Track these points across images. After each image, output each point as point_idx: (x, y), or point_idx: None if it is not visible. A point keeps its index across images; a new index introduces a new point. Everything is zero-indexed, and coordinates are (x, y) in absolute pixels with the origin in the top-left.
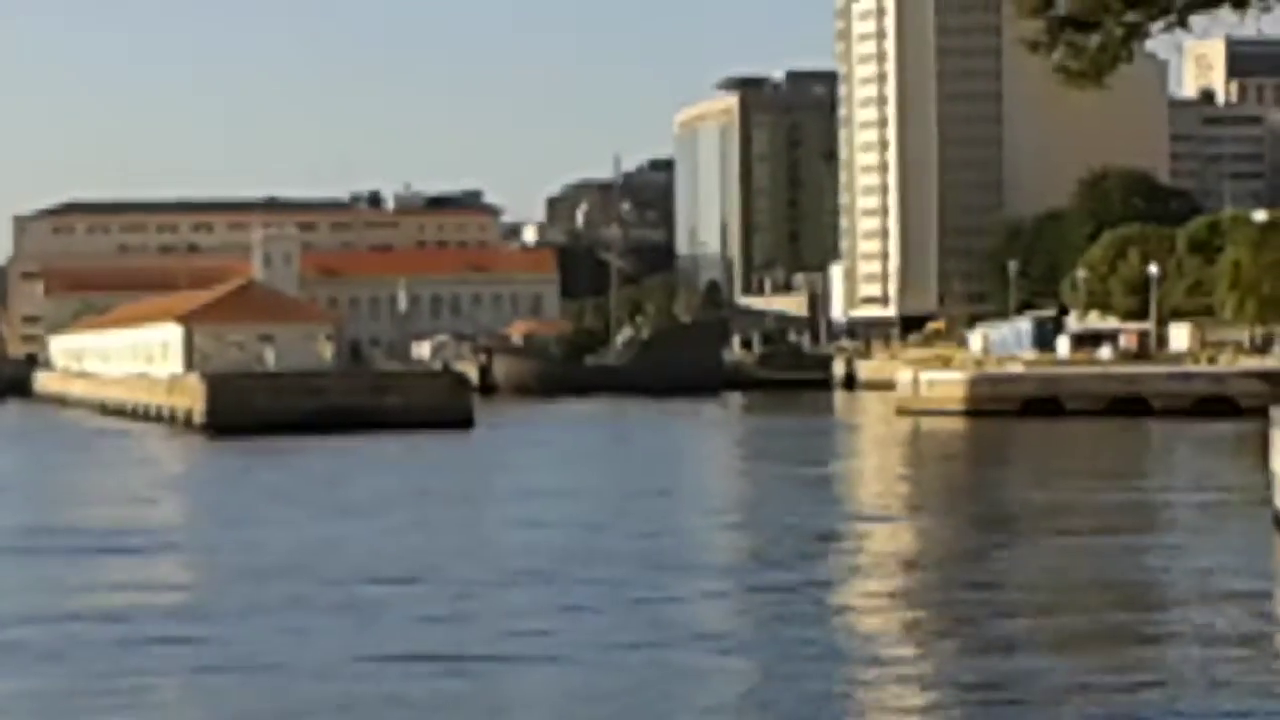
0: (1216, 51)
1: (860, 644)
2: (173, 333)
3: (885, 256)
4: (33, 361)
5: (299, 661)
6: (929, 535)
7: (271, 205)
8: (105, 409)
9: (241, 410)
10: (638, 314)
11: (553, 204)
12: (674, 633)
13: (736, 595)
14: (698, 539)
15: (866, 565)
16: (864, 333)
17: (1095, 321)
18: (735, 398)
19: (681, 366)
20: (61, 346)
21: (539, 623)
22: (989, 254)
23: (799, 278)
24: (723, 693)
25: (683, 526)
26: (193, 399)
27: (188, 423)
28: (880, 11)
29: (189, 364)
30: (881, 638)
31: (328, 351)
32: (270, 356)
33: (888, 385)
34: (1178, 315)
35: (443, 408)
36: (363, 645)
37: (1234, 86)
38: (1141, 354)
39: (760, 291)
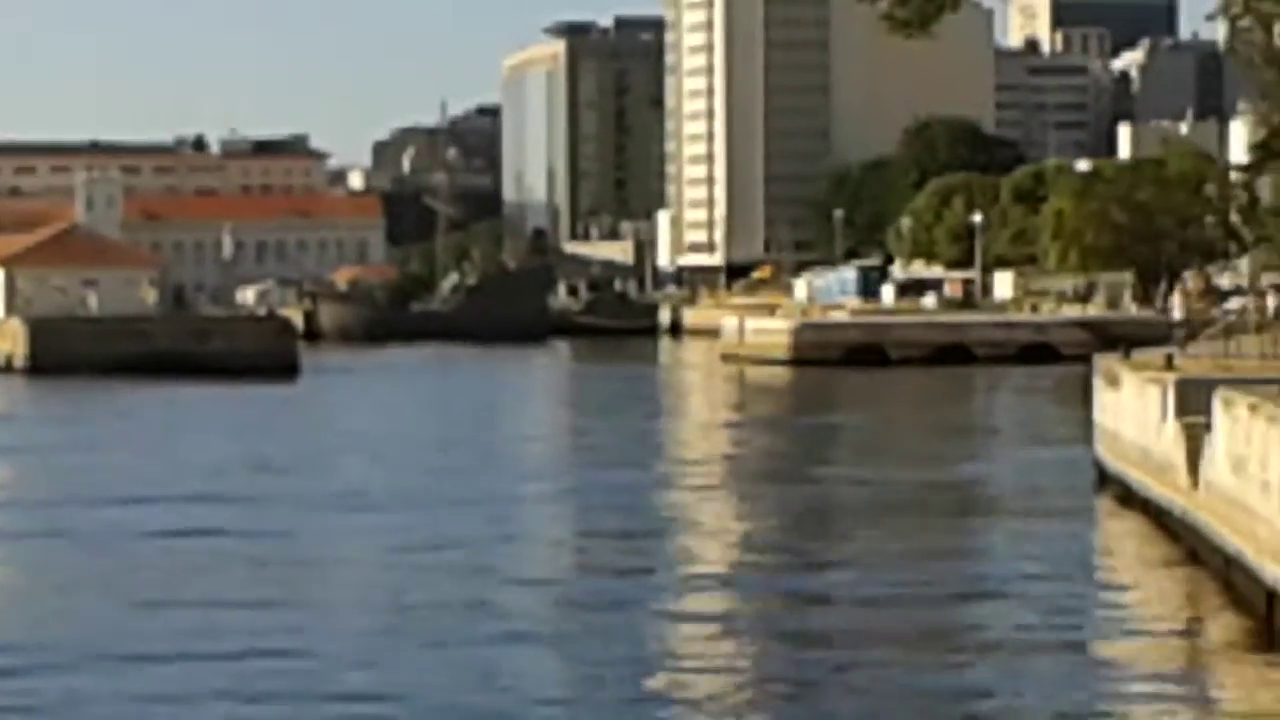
0: (1042, 2)
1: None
2: None
3: (711, 204)
4: None
5: None
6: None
7: (95, 148)
8: None
9: (63, 355)
10: (464, 260)
11: (379, 149)
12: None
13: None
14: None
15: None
16: (690, 280)
17: (920, 270)
18: (562, 345)
19: (508, 313)
20: None
21: None
22: (815, 202)
23: (625, 225)
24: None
25: (500, 493)
26: (13, 343)
27: (9, 367)
28: None
29: (10, 308)
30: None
31: (151, 297)
32: (93, 301)
33: (713, 332)
34: (1001, 264)
35: (267, 354)
36: None
37: (1059, 37)
38: (965, 302)
39: (587, 238)
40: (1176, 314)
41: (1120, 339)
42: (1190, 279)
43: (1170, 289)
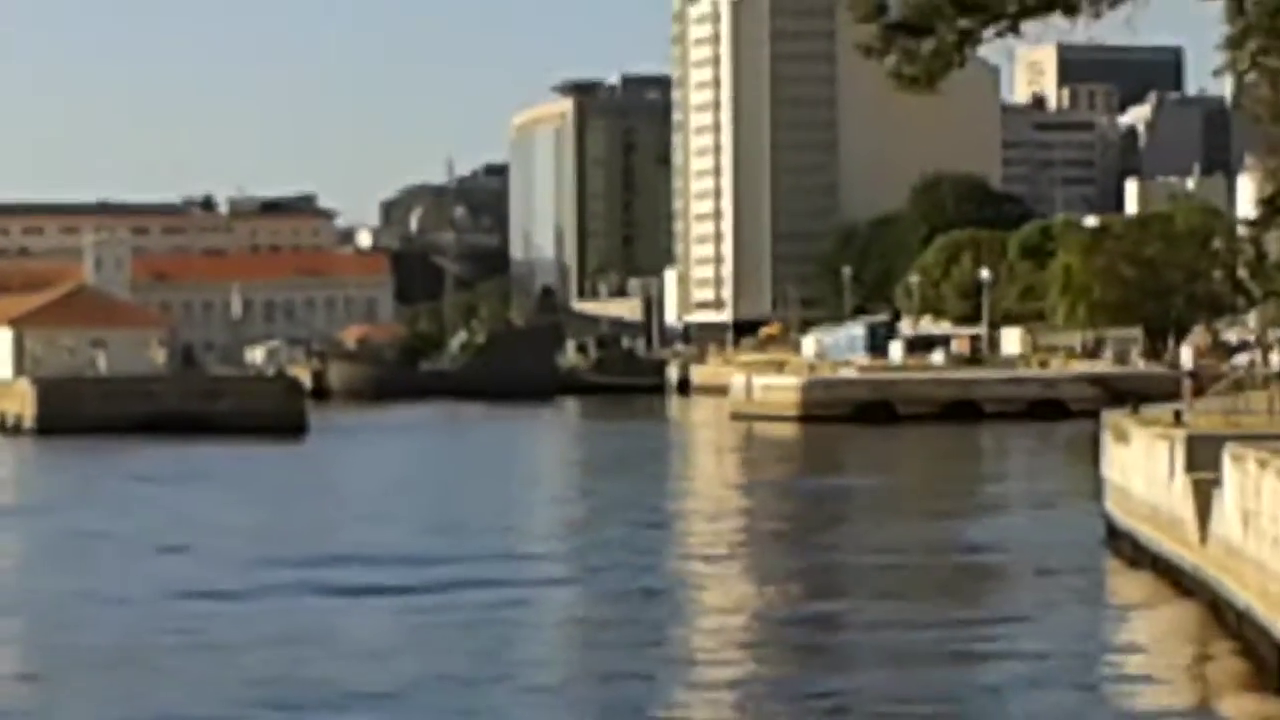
0: (1048, 58)
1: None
2: (2, 337)
3: (719, 261)
4: None
5: None
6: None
7: (104, 209)
8: None
9: (72, 415)
10: (472, 319)
11: (387, 208)
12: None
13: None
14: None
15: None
16: (698, 337)
17: (928, 326)
18: (570, 403)
19: (516, 371)
20: None
21: None
22: (823, 259)
23: (634, 283)
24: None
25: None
26: (22, 404)
27: (17, 429)
28: (715, 16)
29: (19, 369)
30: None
31: (160, 356)
32: (102, 361)
33: (722, 390)
34: (1009, 320)
35: (276, 413)
36: None
37: (1065, 93)
38: (974, 358)
39: (595, 296)
40: (1186, 364)
41: (1129, 394)
42: (1198, 333)
43: (1179, 343)
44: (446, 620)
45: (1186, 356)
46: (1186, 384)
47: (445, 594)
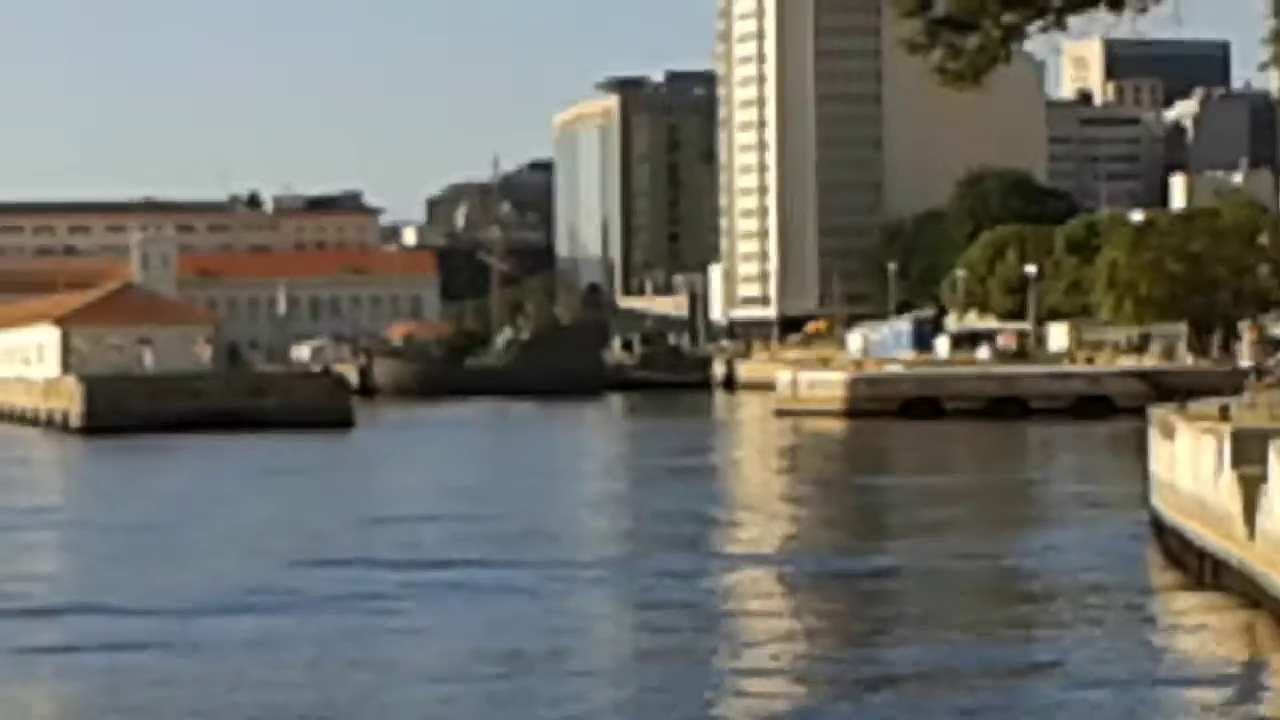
0: (1093, 52)
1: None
2: (49, 335)
3: (764, 257)
4: None
5: None
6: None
7: (149, 207)
8: None
9: (119, 413)
10: (518, 315)
11: (432, 205)
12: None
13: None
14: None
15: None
16: (744, 334)
17: (974, 322)
18: (616, 399)
19: (562, 368)
20: None
21: None
22: (868, 255)
23: (679, 279)
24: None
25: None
26: (69, 401)
27: (65, 425)
28: (760, 13)
29: (66, 366)
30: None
31: (206, 354)
32: (148, 359)
33: (767, 386)
34: (1055, 315)
35: (322, 410)
36: None
37: (1111, 87)
38: (1020, 354)
39: (640, 293)
40: (1244, 361)
41: (1176, 390)
42: (1245, 329)
43: (1228, 338)
44: (490, 613)
45: (1246, 353)
46: (1252, 380)
47: (489, 592)
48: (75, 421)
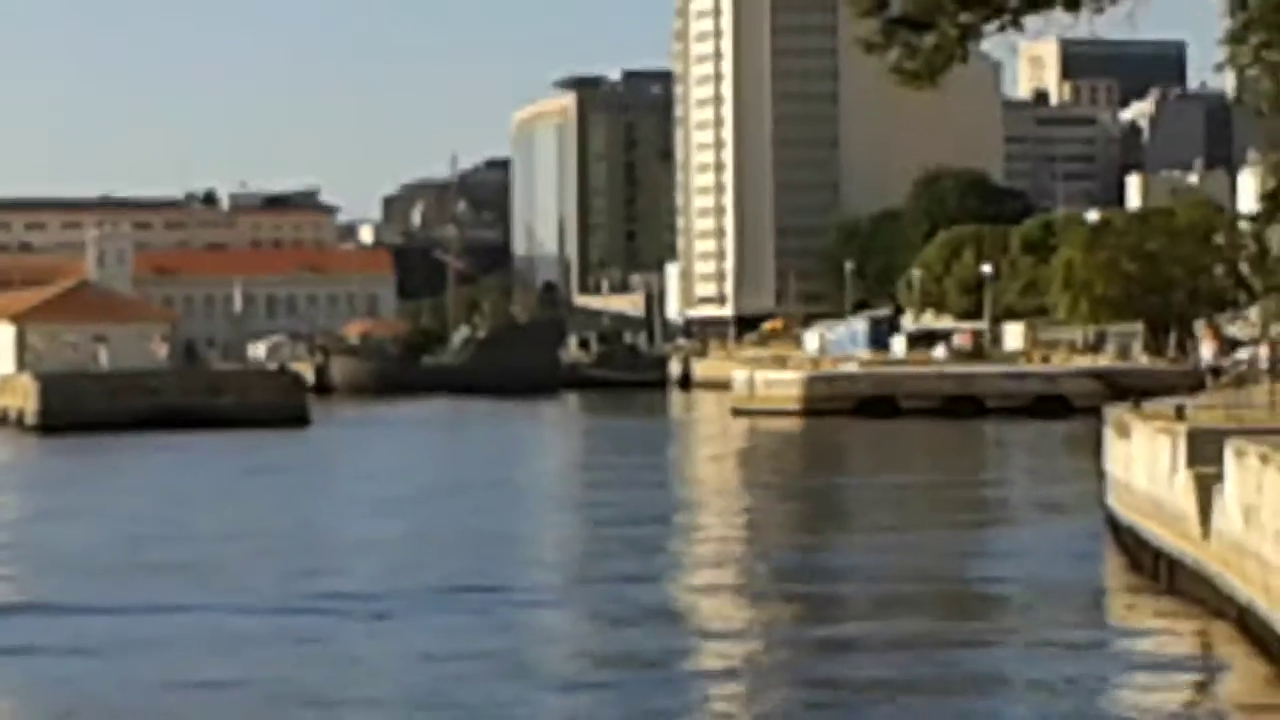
0: (1050, 52)
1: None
2: (4, 332)
3: (721, 256)
4: None
5: None
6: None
7: (106, 204)
8: None
9: (74, 410)
10: (474, 314)
11: (389, 203)
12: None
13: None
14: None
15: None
16: (700, 333)
17: (930, 321)
18: (572, 398)
19: (519, 367)
20: None
21: None
22: (825, 254)
23: (636, 278)
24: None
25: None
26: (24, 399)
27: (20, 423)
28: (717, 11)
29: (21, 364)
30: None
31: (162, 351)
32: (104, 356)
33: (724, 385)
34: (1012, 315)
35: (278, 408)
36: None
37: (1067, 87)
38: (976, 353)
39: (597, 291)
40: (1207, 359)
41: (1131, 389)
42: (1201, 328)
43: (1183, 338)
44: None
45: (1208, 352)
46: (1210, 381)
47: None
48: (30, 419)
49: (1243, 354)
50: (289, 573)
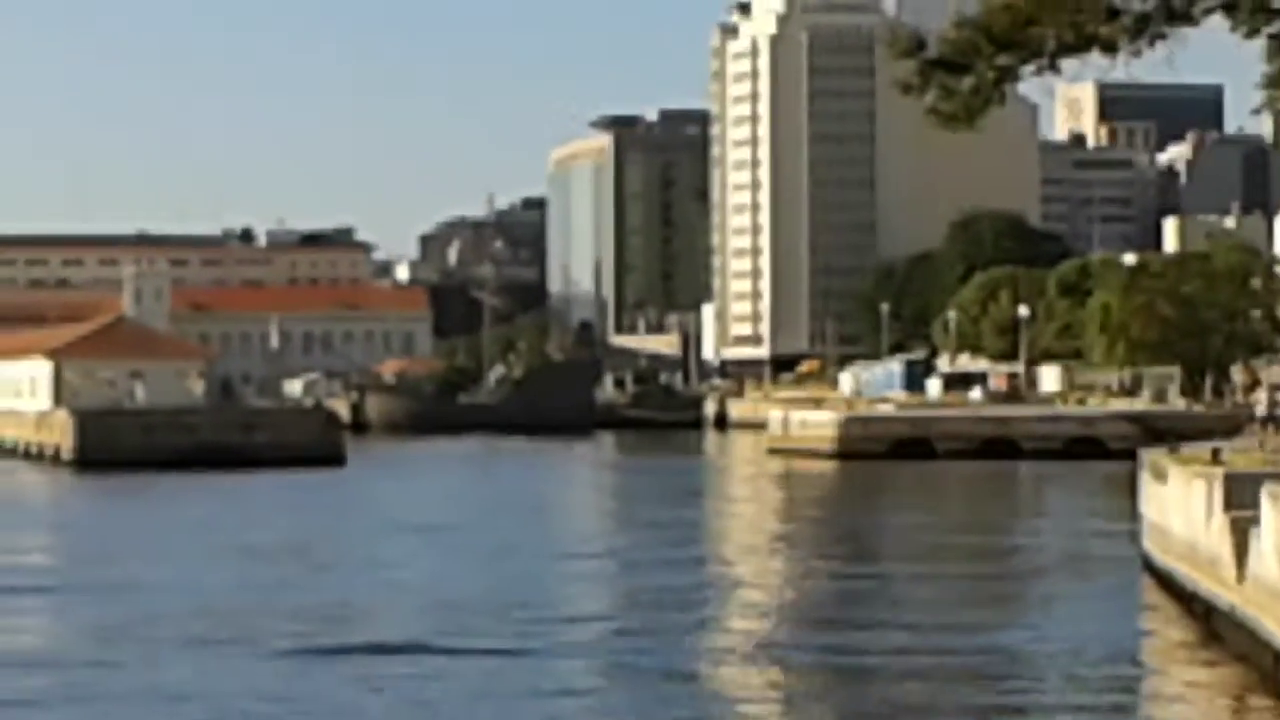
0: (1087, 95)
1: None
2: (41, 368)
3: (757, 297)
4: None
5: None
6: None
7: (143, 240)
8: None
9: (110, 447)
10: (510, 352)
11: (425, 242)
12: None
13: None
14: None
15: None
16: (736, 373)
17: (966, 363)
18: (607, 437)
19: (554, 406)
20: None
21: None
22: (861, 295)
23: (671, 317)
24: None
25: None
26: (61, 435)
27: (56, 459)
28: (754, 52)
29: (58, 399)
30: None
31: (198, 388)
32: (140, 393)
33: (759, 425)
34: (1048, 357)
35: (314, 446)
36: None
37: (1104, 130)
38: (1011, 396)
39: (633, 331)
40: (1260, 409)
41: (1167, 433)
42: (1241, 372)
43: (1219, 382)
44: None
45: (1262, 399)
46: (1264, 428)
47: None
48: (67, 455)
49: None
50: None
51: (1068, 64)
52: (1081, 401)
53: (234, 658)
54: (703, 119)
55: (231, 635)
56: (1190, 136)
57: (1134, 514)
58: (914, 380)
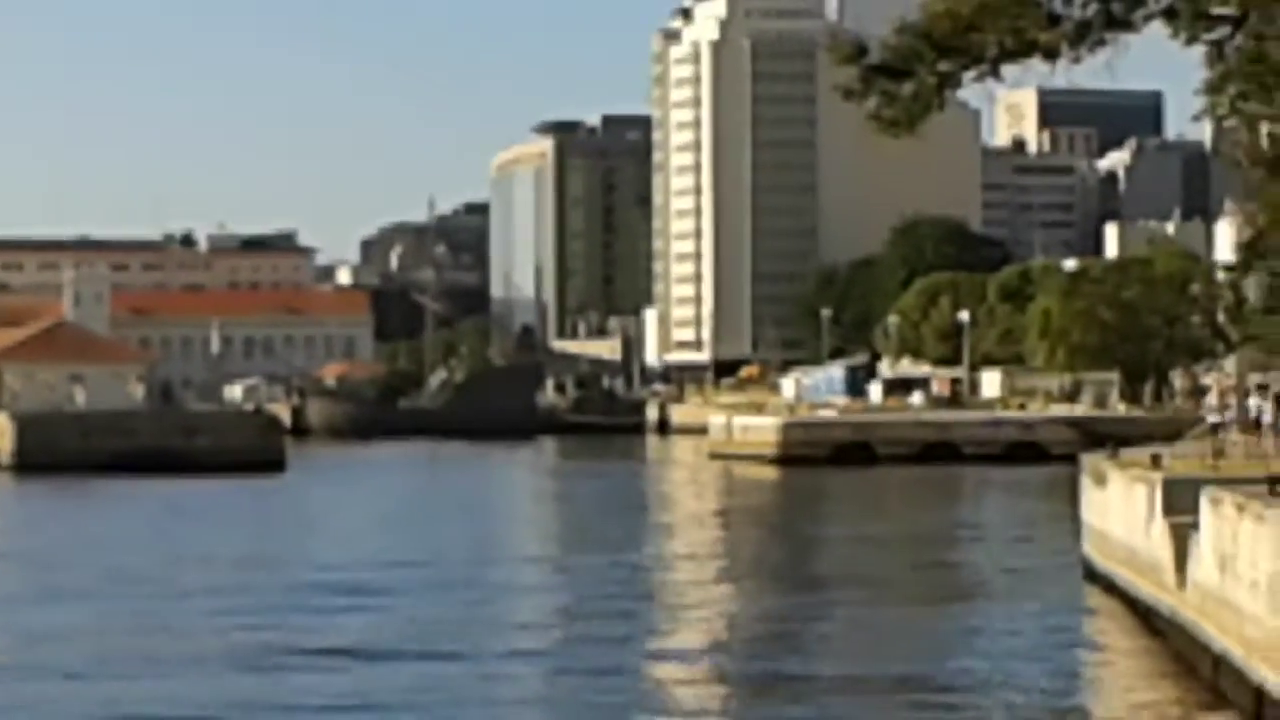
0: (1028, 101)
1: None
2: None
3: (699, 301)
4: None
5: None
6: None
7: (83, 244)
8: None
9: (50, 450)
10: (452, 357)
11: (367, 246)
12: None
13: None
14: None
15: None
16: (678, 377)
17: (907, 368)
18: (549, 442)
19: (496, 410)
20: None
21: None
22: (802, 300)
23: (613, 322)
24: None
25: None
26: (0, 439)
27: None
28: (696, 58)
29: None
30: None
31: (138, 392)
32: (80, 396)
33: (701, 430)
34: (989, 362)
35: (254, 450)
36: None
37: (1045, 136)
38: (953, 400)
39: (574, 335)
40: (1211, 416)
41: (1107, 437)
42: (1181, 377)
43: (1159, 387)
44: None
45: (1213, 402)
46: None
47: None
48: (6, 459)
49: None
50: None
51: (1009, 70)
52: (1022, 406)
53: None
54: (645, 124)
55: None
56: (1130, 142)
57: (1074, 518)
58: (855, 385)
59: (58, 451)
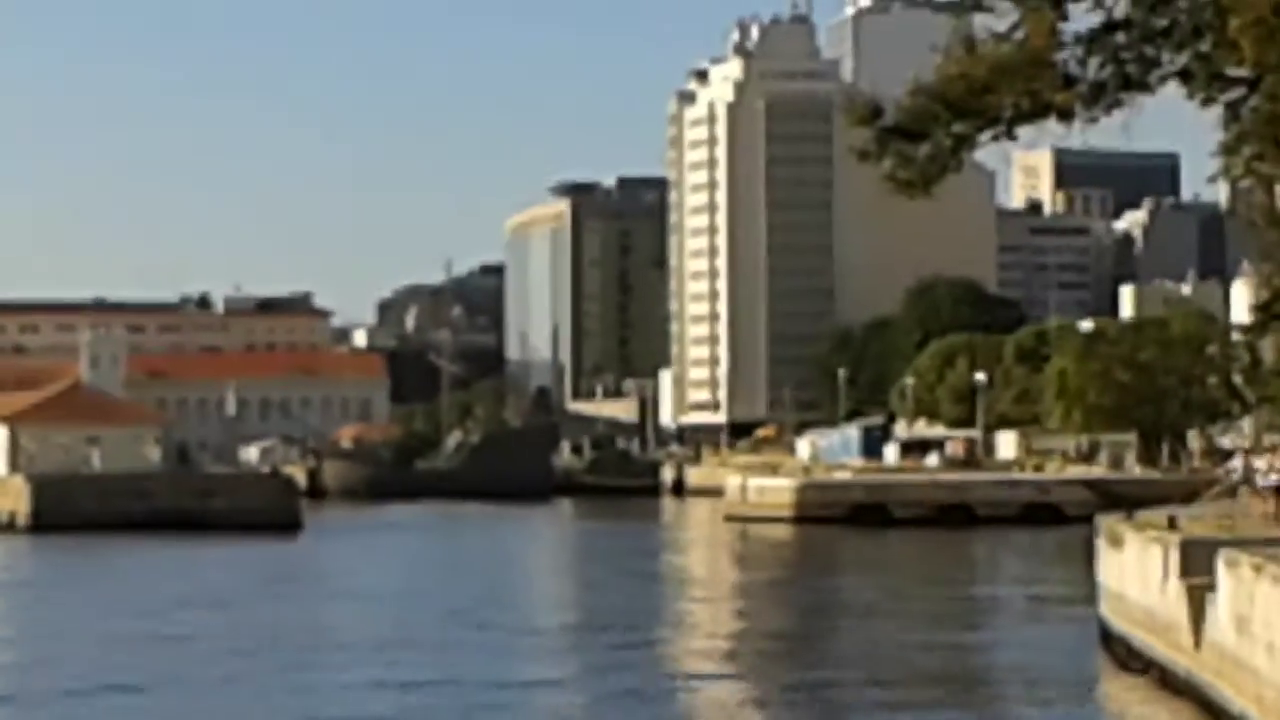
0: (1044, 162)
1: None
2: None
3: (715, 363)
4: None
5: None
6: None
7: (99, 306)
8: None
9: (67, 512)
10: (467, 418)
11: (383, 308)
12: None
13: None
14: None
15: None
16: (693, 439)
17: (923, 429)
18: (565, 503)
19: (512, 472)
20: None
21: None
22: (818, 361)
23: (629, 383)
24: None
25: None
26: (17, 501)
27: (11, 525)
28: (711, 119)
29: (13, 465)
30: None
31: (155, 454)
32: (96, 458)
33: (716, 491)
34: (1005, 423)
35: (270, 512)
36: None
37: (1061, 197)
38: (968, 462)
39: (590, 397)
40: (1237, 475)
41: (1123, 499)
42: (1198, 438)
43: (1176, 448)
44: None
45: (1237, 465)
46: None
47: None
48: (22, 521)
49: (1235, 464)
50: None
51: (1024, 131)
52: (1038, 467)
53: None
54: (660, 186)
55: None
56: (1146, 203)
57: (1090, 580)
58: (871, 446)
59: (73, 514)
